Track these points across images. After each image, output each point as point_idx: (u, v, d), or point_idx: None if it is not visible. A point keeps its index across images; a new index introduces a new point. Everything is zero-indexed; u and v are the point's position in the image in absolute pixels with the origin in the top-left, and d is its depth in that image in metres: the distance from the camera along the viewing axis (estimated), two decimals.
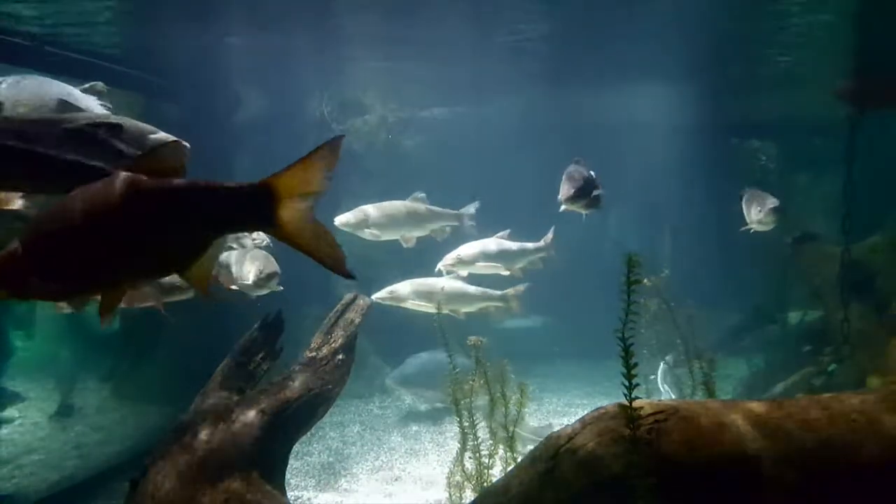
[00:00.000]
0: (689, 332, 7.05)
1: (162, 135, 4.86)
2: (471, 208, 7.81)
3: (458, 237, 8.00)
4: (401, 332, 11.60)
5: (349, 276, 2.41)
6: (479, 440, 5.85)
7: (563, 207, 6.37)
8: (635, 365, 3.23)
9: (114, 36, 8.78)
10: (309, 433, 6.19)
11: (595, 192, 6.31)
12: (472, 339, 6.02)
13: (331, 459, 8.33)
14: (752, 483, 3.07)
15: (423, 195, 7.51)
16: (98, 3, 7.64)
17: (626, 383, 3.22)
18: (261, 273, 5.66)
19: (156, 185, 2.34)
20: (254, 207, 2.36)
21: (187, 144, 4.73)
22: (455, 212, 7.88)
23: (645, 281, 7.30)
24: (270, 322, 5.55)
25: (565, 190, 6.21)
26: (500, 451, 5.84)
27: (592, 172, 6.41)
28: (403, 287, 7.45)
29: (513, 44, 9.94)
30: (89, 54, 8.53)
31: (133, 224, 2.33)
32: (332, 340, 5.48)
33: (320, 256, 2.37)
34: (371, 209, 7.52)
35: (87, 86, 4.40)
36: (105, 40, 8.75)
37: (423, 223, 7.51)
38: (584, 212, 6.45)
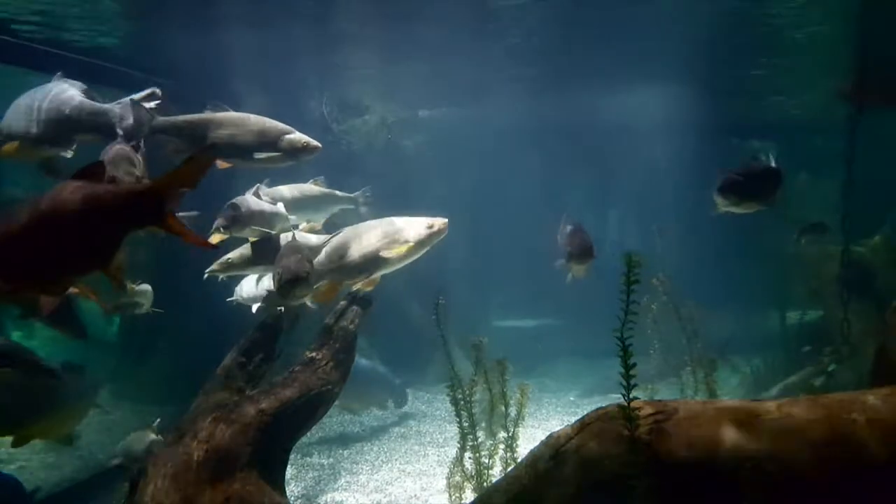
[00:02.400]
0: (692, 332, 7.06)
1: (297, 135, 5.30)
2: (366, 191, 7.27)
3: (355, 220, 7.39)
4: (401, 332, 11.63)
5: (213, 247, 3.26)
6: (479, 440, 5.86)
7: (562, 263, 6.14)
8: (634, 365, 3.23)
9: (114, 36, 8.79)
10: (309, 433, 6.20)
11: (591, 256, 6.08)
12: (474, 339, 6.02)
13: (331, 459, 8.34)
14: (753, 483, 3.07)
15: (321, 178, 6.75)
16: (98, 3, 7.66)
17: (625, 384, 3.23)
18: (281, 279, 4.80)
19: (79, 191, 2.73)
20: (150, 206, 2.83)
21: (319, 145, 5.10)
22: (350, 195, 7.32)
23: (653, 281, 7.33)
24: (270, 322, 5.55)
25: (573, 251, 6.02)
26: (500, 451, 5.85)
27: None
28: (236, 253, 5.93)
29: (513, 44, 9.94)
30: (90, 54, 8.54)
31: (62, 227, 2.71)
32: (331, 341, 5.48)
33: (191, 240, 3.02)
34: (285, 191, 6.47)
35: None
36: (105, 40, 8.76)
37: (323, 206, 6.90)
38: (579, 271, 6.17)
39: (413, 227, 5.27)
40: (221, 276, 5.59)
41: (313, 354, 5.40)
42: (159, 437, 6.11)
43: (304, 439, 6.67)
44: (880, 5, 8.53)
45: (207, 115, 5.25)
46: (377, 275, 5.37)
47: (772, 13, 8.62)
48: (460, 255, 13.74)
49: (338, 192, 6.90)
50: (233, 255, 5.62)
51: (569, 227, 6.19)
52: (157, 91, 4.81)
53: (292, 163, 5.44)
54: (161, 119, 5.09)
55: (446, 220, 5.30)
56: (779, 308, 11.15)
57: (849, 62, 10.59)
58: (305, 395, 5.00)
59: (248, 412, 4.65)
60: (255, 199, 5.49)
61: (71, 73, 5.24)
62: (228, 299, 6.49)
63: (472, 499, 4.85)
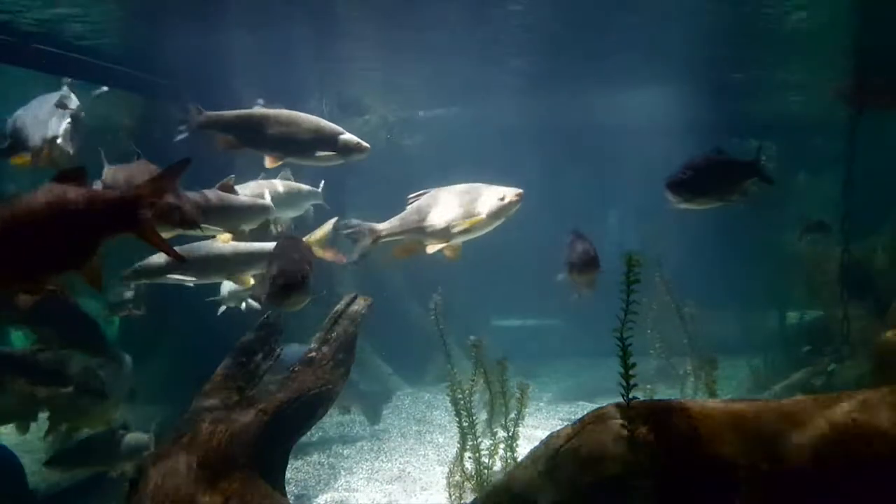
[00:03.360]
0: (694, 332, 7.07)
1: (350, 135, 5.43)
2: (321, 186, 7.18)
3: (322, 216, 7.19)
4: (401, 333, 11.63)
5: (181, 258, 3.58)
6: (479, 440, 5.85)
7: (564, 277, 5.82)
8: (633, 365, 3.23)
9: (114, 36, 8.79)
10: (309, 433, 6.19)
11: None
12: (473, 339, 6.01)
13: (331, 459, 8.34)
14: (752, 482, 3.07)
15: (288, 172, 6.59)
16: (99, 3, 7.65)
17: (624, 384, 3.23)
18: (274, 283, 4.27)
19: (49, 194, 2.86)
20: (124, 214, 3.00)
21: (369, 146, 5.53)
22: (317, 189, 7.04)
23: (657, 278, 7.32)
24: (270, 322, 5.55)
25: (574, 263, 5.63)
26: (500, 451, 5.84)
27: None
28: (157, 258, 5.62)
29: (513, 44, 9.94)
30: (90, 54, 8.54)
31: (30, 228, 2.83)
32: (331, 340, 5.48)
33: (163, 249, 3.24)
34: (254, 186, 6.30)
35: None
36: (105, 41, 8.75)
37: (291, 203, 6.77)
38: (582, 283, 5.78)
39: (488, 199, 5.21)
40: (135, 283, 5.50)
41: (313, 354, 5.40)
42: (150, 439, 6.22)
43: (303, 439, 6.66)
44: (878, 5, 8.54)
45: (259, 111, 5.34)
46: (455, 242, 5.32)
47: (771, 12, 8.62)
48: (462, 255, 13.74)
49: (304, 188, 6.81)
50: (146, 262, 5.49)
51: (571, 236, 5.75)
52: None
53: (341, 162, 5.54)
54: (210, 114, 5.20)
55: (520, 191, 5.22)
56: (779, 308, 11.15)
57: (847, 63, 10.60)
58: (305, 395, 5.00)
59: (248, 412, 4.65)
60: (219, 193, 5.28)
61: (71, 73, 5.27)
62: (209, 299, 6.47)
63: (472, 499, 4.85)
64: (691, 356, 7.24)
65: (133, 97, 9.57)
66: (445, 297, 6.15)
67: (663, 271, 7.66)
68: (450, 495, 6.00)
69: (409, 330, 11.59)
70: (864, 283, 8.80)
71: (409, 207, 5.47)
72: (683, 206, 5.55)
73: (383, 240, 5.43)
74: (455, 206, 5.28)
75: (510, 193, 5.20)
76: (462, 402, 5.87)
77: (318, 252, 5.38)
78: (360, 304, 5.84)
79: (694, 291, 8.01)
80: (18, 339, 9.87)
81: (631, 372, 3.22)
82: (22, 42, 7.71)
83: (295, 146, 5.33)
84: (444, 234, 5.27)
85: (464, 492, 5.91)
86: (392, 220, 5.49)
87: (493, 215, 5.20)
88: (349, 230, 5.45)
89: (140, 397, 9.38)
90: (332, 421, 9.73)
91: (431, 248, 5.31)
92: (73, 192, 2.91)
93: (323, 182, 7.16)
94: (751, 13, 8.64)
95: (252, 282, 5.64)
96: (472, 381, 5.94)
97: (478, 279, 14.42)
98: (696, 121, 13.41)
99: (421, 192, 5.50)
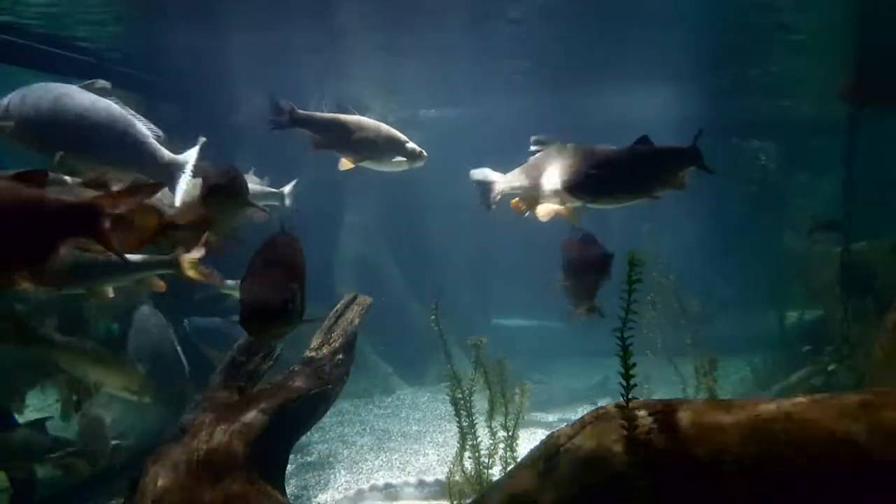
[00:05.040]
0: (695, 331, 7.06)
1: (413, 143, 5.72)
2: (289, 186, 7.18)
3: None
4: (401, 332, 11.64)
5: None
6: (479, 440, 5.85)
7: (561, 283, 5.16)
8: (633, 365, 3.23)
9: (114, 36, 8.79)
10: (309, 433, 6.20)
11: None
12: (473, 338, 6.01)
13: (331, 459, 8.34)
14: (752, 483, 3.07)
15: (253, 170, 6.61)
16: (99, 3, 7.66)
17: (624, 383, 3.22)
18: (246, 308, 3.29)
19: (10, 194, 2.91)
20: (82, 219, 3.06)
21: (426, 154, 5.70)
22: (276, 190, 7.02)
23: (664, 280, 7.30)
24: None
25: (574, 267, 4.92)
26: (500, 451, 5.84)
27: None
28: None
29: (513, 44, 9.94)
30: (90, 54, 8.54)
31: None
32: (331, 340, 5.48)
33: (121, 258, 3.33)
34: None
35: (87, 83, 4.51)
36: (105, 41, 8.75)
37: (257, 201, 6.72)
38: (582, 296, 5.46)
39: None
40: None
41: (313, 354, 5.40)
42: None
43: (303, 438, 6.67)
44: (879, 5, 8.53)
45: (345, 116, 5.68)
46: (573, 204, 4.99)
47: (772, 10, 8.61)
48: (461, 254, 13.76)
49: (267, 188, 6.94)
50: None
51: (577, 237, 4.94)
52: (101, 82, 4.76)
53: (406, 168, 5.88)
54: (301, 112, 5.49)
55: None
56: (778, 308, 11.15)
57: (849, 62, 10.60)
58: (305, 395, 5.00)
59: (248, 412, 4.65)
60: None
61: (71, 73, 5.26)
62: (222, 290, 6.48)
63: (472, 499, 4.85)
64: (692, 356, 7.23)
65: (133, 97, 9.58)
66: (445, 297, 6.15)
67: (664, 271, 7.65)
68: (450, 495, 6.00)
69: (409, 330, 11.60)
70: (864, 283, 8.80)
71: (531, 160, 5.15)
72: (597, 206, 4.99)
73: (507, 194, 5.28)
74: (558, 170, 4.85)
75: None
76: (462, 402, 5.87)
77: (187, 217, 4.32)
78: (359, 304, 5.85)
79: (694, 291, 8.00)
80: None
81: (631, 371, 3.22)
82: (22, 42, 7.72)
83: (374, 151, 5.64)
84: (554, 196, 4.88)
85: (463, 492, 5.90)
86: (514, 171, 5.34)
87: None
88: (476, 180, 5.49)
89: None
90: (331, 421, 9.73)
91: (545, 211, 4.98)
92: (26, 192, 2.94)
93: (296, 181, 7.19)
94: (751, 12, 8.64)
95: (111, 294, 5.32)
96: (472, 381, 5.94)
97: (479, 278, 14.45)
98: (696, 121, 13.41)
99: (545, 139, 5.17)
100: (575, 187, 4.74)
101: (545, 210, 5.09)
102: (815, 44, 9.96)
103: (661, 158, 4.90)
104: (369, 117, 6.02)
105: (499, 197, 5.34)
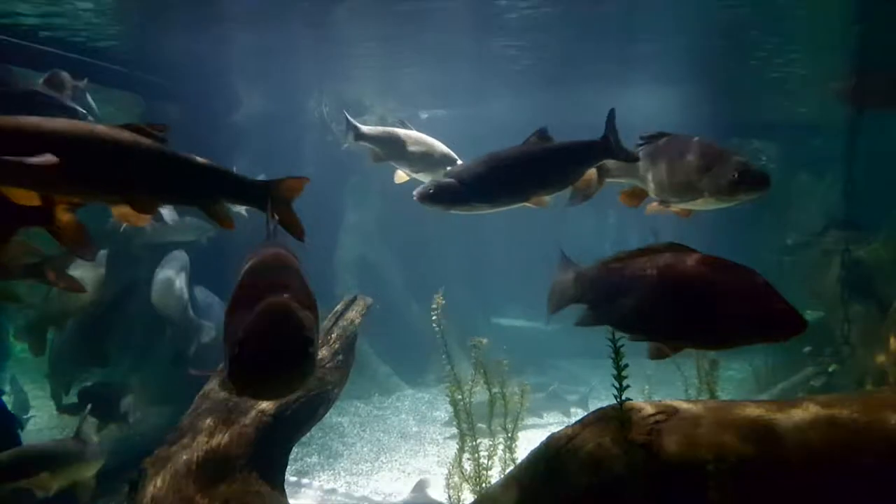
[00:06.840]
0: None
1: (453, 154, 5.85)
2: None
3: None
4: (401, 332, 11.62)
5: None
6: (478, 441, 5.84)
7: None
8: (625, 366, 3.23)
9: (114, 37, 8.79)
10: (309, 433, 6.18)
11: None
12: (473, 339, 5.99)
13: (330, 460, 8.33)
14: (753, 484, 3.06)
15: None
16: (99, 3, 7.65)
17: (617, 385, 3.22)
18: (238, 356, 2.18)
19: None
20: (37, 208, 3.11)
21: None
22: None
23: None
24: None
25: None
26: (500, 452, 5.83)
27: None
28: None
29: (514, 44, 9.94)
30: (90, 54, 8.54)
31: None
32: (331, 341, 5.46)
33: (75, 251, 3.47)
34: None
35: (49, 73, 4.60)
36: (105, 41, 8.75)
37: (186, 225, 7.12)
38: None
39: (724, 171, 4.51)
40: None
41: None
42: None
43: (303, 439, 6.65)
44: (879, 7, 8.53)
45: (400, 130, 6.00)
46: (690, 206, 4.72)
47: (772, 11, 8.61)
48: (461, 254, 13.75)
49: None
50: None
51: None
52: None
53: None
54: (364, 128, 5.98)
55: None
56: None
57: (848, 63, 10.59)
58: (305, 396, 4.98)
59: (248, 413, 4.63)
60: None
61: (71, 73, 5.25)
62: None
63: (472, 500, 4.84)
64: (693, 356, 7.21)
65: (134, 96, 9.58)
66: (446, 297, 6.13)
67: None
68: (449, 496, 5.98)
69: (409, 330, 11.58)
70: (865, 284, 8.79)
71: (644, 150, 4.64)
72: (484, 211, 4.40)
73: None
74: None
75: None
76: (462, 402, 5.86)
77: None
78: (359, 305, 5.83)
79: None
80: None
81: (624, 374, 3.23)
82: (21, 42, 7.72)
83: (429, 164, 5.91)
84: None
85: (463, 492, 5.89)
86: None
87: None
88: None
89: (140, 397, 9.41)
90: (331, 421, 9.72)
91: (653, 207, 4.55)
92: None
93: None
94: (751, 11, 8.64)
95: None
96: (472, 381, 5.92)
97: (479, 279, 14.44)
98: (696, 120, 13.41)
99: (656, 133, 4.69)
100: (425, 197, 4.21)
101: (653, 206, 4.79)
102: (816, 44, 9.96)
103: (554, 156, 4.52)
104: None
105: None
